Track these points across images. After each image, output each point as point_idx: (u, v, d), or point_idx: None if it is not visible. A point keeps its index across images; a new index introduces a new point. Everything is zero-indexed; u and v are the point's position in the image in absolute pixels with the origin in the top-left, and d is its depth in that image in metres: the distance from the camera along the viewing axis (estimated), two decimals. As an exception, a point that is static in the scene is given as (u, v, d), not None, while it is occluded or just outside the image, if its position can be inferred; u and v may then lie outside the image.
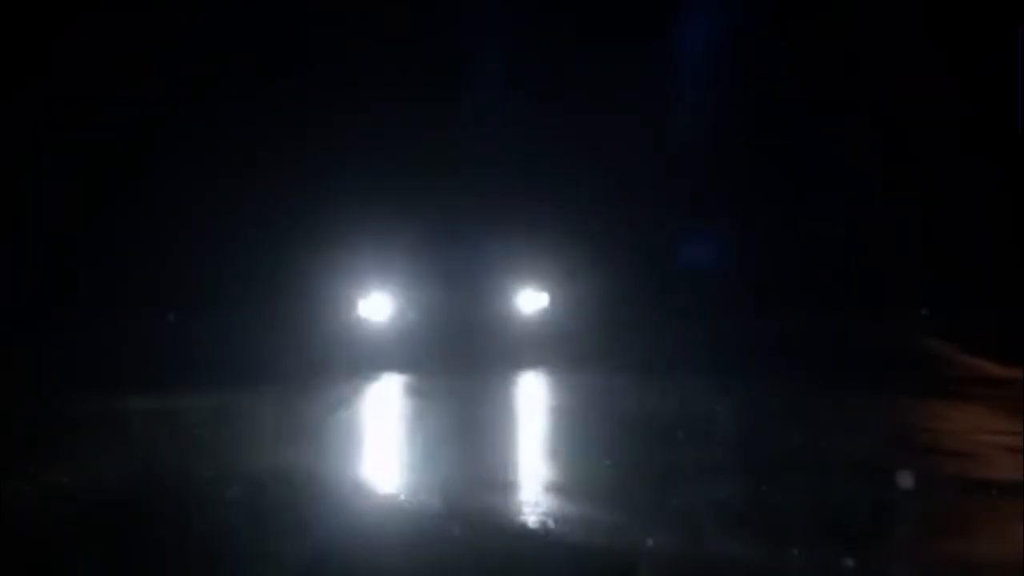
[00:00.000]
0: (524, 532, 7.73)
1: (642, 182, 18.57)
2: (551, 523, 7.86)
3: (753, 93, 18.52)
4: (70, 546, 7.63)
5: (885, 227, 18.12)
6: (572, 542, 7.44)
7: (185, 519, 8.12)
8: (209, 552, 7.47)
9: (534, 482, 9.47)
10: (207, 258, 18.57)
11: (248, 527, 7.93)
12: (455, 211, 17.77)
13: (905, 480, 8.06)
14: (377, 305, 17.43)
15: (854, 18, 17.80)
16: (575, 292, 17.51)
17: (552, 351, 16.38)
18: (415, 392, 14.27)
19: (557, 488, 8.94)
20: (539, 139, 18.98)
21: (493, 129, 19.08)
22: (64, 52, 18.55)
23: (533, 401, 14.25)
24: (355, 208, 18.00)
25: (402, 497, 9.02)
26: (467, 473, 9.42)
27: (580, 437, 11.07)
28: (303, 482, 9.08)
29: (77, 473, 9.47)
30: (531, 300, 17.63)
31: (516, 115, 19.00)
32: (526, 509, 8.42)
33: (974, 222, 17.44)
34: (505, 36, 19.12)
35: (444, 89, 19.31)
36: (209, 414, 12.33)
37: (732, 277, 17.72)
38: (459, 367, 15.42)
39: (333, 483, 9.38)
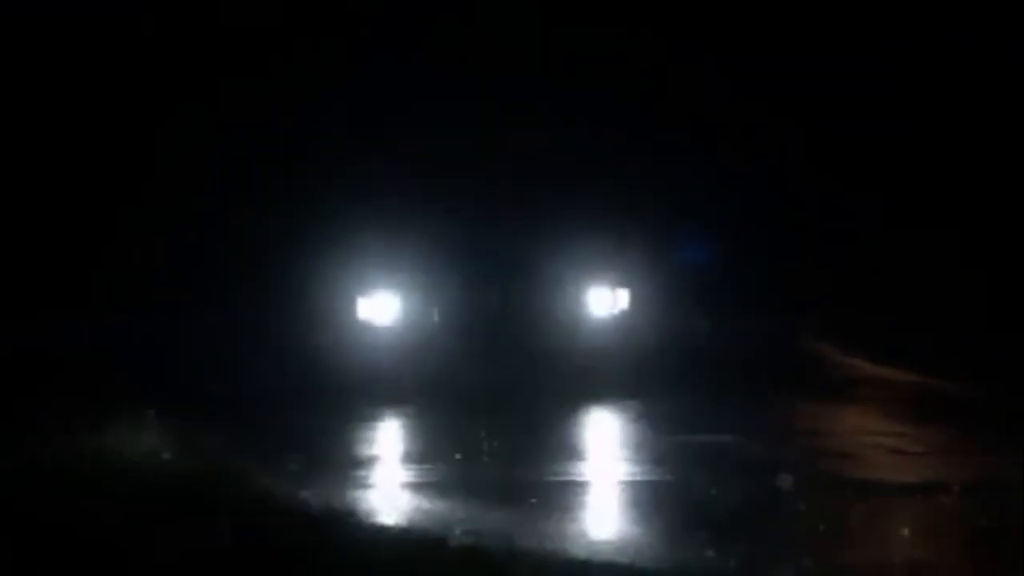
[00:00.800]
0: None
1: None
2: None
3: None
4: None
5: (778, 232, 17.36)
6: None
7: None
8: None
9: None
10: (175, 250, 15.33)
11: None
12: (494, 185, 12.90)
13: (784, 481, 8.06)
14: (383, 306, 12.61)
15: None
16: (665, 288, 12.64)
17: (637, 371, 12.16)
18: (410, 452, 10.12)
19: None
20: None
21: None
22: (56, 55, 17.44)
23: (614, 474, 9.45)
24: (358, 185, 13.39)
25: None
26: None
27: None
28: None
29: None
30: (604, 300, 12.67)
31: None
32: None
33: (867, 227, 17.14)
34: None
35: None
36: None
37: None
38: (494, 397, 11.45)
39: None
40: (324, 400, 11.53)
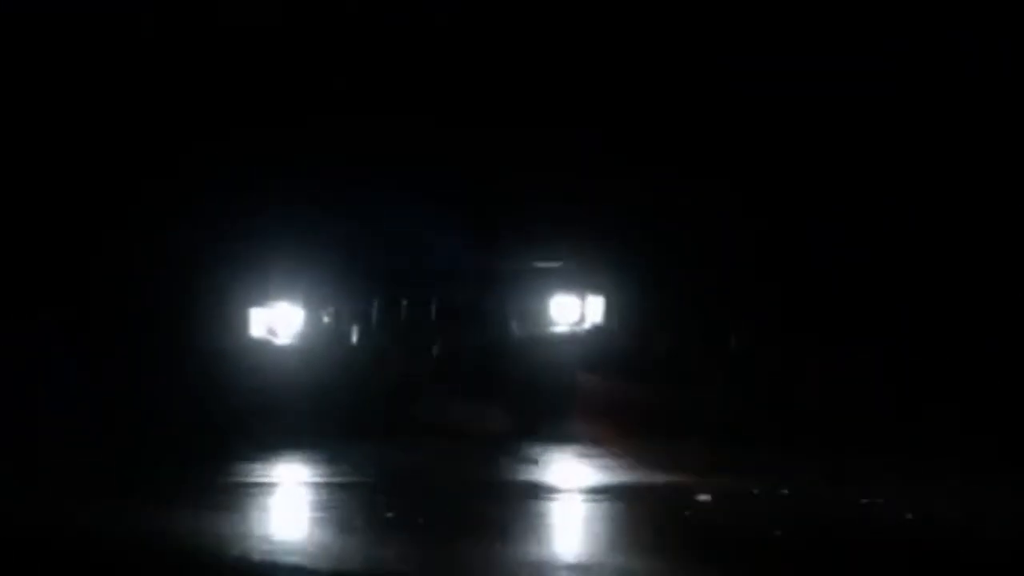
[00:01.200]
0: None
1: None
2: None
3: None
4: None
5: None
6: None
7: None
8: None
9: None
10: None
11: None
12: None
13: (473, 484, 8.43)
14: (283, 321, 9.97)
15: None
16: (652, 296, 10.09)
17: (619, 406, 10.64)
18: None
19: None
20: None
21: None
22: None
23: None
24: (259, 174, 10.92)
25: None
26: None
27: None
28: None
29: None
30: (571, 310, 10.00)
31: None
32: None
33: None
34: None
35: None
36: None
37: None
38: (424, 441, 10.05)
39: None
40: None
